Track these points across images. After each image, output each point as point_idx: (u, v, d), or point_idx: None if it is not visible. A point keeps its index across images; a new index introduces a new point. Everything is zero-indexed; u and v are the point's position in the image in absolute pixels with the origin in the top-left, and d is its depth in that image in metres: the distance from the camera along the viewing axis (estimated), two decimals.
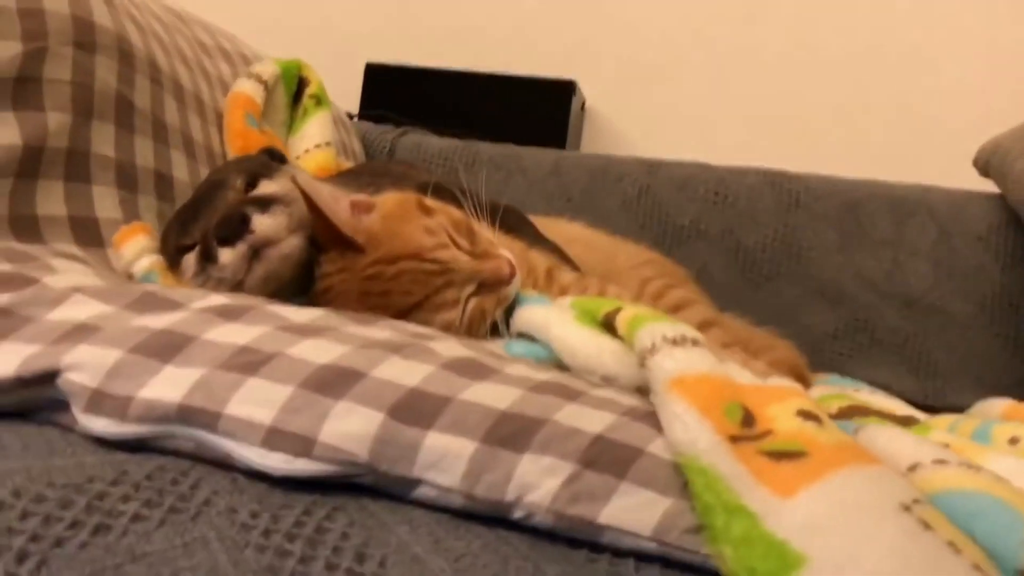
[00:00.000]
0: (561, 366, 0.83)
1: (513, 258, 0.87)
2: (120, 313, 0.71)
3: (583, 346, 0.79)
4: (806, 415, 0.65)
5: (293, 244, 0.89)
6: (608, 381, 0.77)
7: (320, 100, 1.48)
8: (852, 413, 0.86)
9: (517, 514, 0.59)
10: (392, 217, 0.87)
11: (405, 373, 0.65)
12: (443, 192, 1.00)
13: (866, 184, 1.84)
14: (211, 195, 0.91)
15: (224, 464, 0.64)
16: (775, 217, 1.82)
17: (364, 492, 0.63)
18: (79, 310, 0.71)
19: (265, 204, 0.89)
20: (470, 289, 0.84)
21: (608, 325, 0.82)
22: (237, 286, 0.87)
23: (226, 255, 0.86)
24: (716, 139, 2.41)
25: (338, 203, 0.86)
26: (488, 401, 0.63)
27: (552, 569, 0.56)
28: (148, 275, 0.92)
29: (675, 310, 1.12)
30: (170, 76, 1.14)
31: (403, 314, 0.82)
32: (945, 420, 0.96)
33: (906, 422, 0.86)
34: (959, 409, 1.70)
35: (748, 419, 0.64)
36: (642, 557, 0.58)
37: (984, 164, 1.81)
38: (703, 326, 1.11)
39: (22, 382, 0.66)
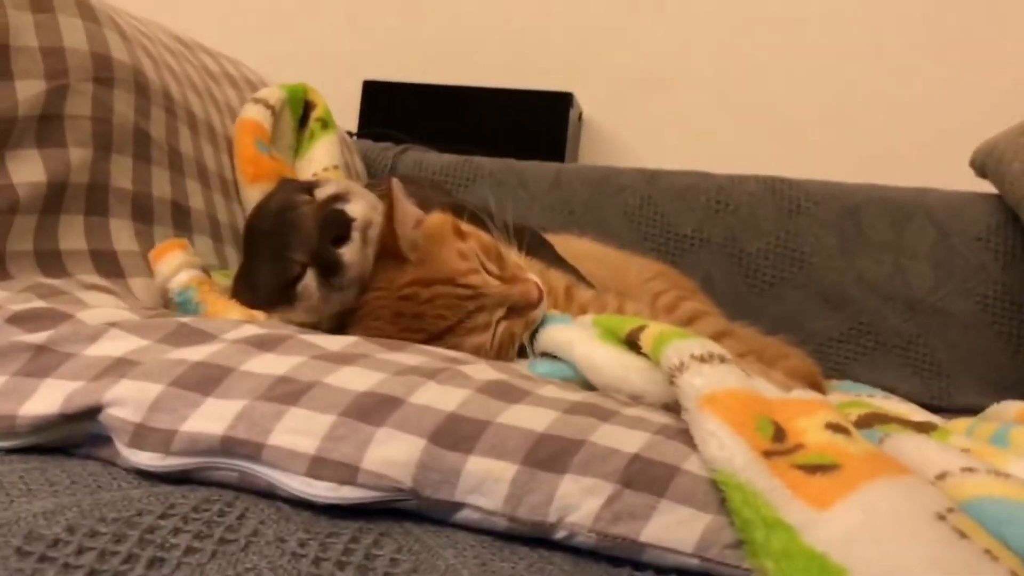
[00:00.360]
0: (587, 385, 0.84)
1: (540, 281, 0.88)
2: (156, 347, 0.72)
3: (608, 365, 0.81)
4: (835, 428, 0.67)
5: (378, 222, 0.91)
6: (635, 399, 0.79)
7: (326, 123, 1.50)
8: (872, 421, 0.88)
9: (559, 535, 0.61)
10: (431, 238, 0.89)
11: (442, 398, 0.66)
12: (472, 215, 1.02)
13: (864, 188, 1.87)
14: (285, 220, 0.91)
15: (268, 493, 0.65)
16: (776, 223, 1.84)
17: (407, 516, 0.64)
18: (116, 345, 0.72)
19: (340, 197, 0.91)
20: (500, 313, 0.85)
21: (632, 343, 0.83)
22: (359, 280, 0.88)
23: (349, 253, 0.87)
24: (714, 147, 2.44)
25: (412, 219, 0.89)
26: (525, 424, 0.64)
27: None
28: (186, 291, 0.93)
29: (688, 322, 1.13)
30: (183, 105, 1.15)
31: (434, 337, 0.84)
32: (962, 424, 0.98)
33: (925, 428, 0.87)
34: (966, 409, 1.74)
35: (779, 434, 0.65)
36: (684, 573, 0.59)
37: (980, 165, 1.83)
38: (716, 337, 1.12)
39: (66, 418, 0.67)
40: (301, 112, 1.49)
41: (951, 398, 1.73)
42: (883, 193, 1.85)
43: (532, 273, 0.93)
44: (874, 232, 1.81)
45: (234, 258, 1.14)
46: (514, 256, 0.92)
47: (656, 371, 0.78)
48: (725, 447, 0.62)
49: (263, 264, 0.92)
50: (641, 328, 0.82)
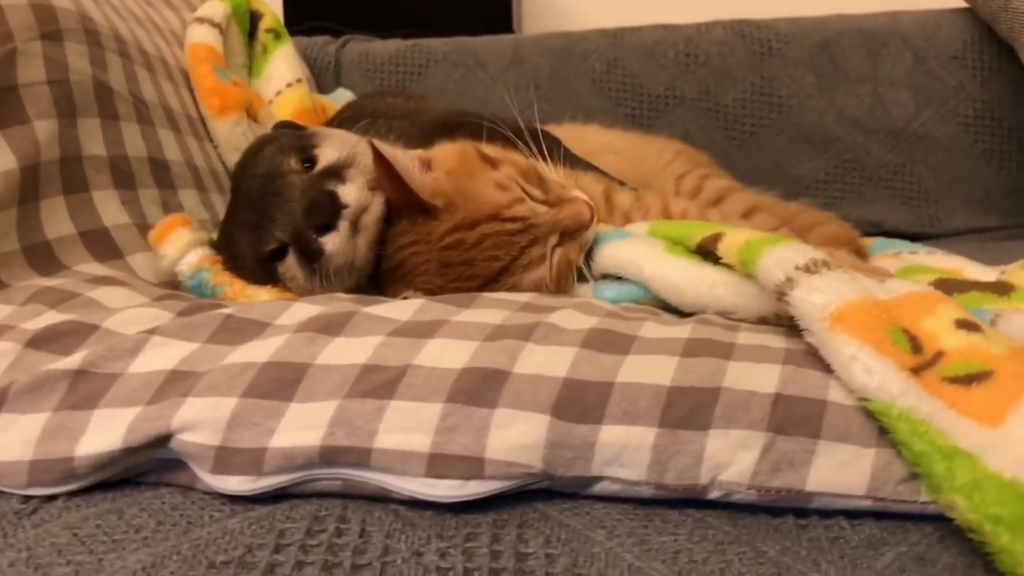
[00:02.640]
0: (662, 304, 0.78)
1: (586, 197, 0.80)
2: (209, 349, 0.64)
3: (690, 283, 0.75)
4: (965, 325, 0.63)
5: (379, 203, 0.81)
6: (724, 315, 0.74)
7: (279, 33, 1.35)
8: (949, 288, 0.84)
9: (713, 494, 0.56)
10: (458, 174, 0.79)
11: (550, 362, 0.60)
12: (490, 131, 0.92)
13: (835, 20, 1.80)
14: (271, 188, 0.81)
15: (379, 497, 0.59)
16: (749, 70, 1.77)
17: (536, 495, 0.59)
18: (164, 355, 0.64)
19: (337, 173, 0.81)
20: (554, 240, 0.78)
21: (704, 251, 0.77)
22: (351, 267, 0.80)
23: (332, 242, 0.78)
24: None
25: (414, 165, 0.79)
26: (649, 378, 0.59)
27: (771, 548, 0.53)
28: (198, 273, 0.83)
29: (716, 202, 1.08)
30: (134, 44, 1.01)
31: (490, 281, 0.76)
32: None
33: (1005, 289, 0.84)
34: (955, 233, 1.74)
35: (915, 344, 0.61)
36: (852, 514, 0.56)
37: None
38: (749, 212, 1.07)
39: (130, 452, 0.60)
40: (248, 25, 1.34)
41: (940, 223, 1.73)
42: (854, 23, 1.78)
43: (578, 190, 0.85)
44: (850, 65, 1.75)
45: (221, 205, 1.03)
46: (553, 174, 0.84)
47: (745, 283, 0.72)
48: (874, 372, 0.57)
49: (244, 232, 0.83)
50: (716, 237, 0.76)
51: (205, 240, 0.86)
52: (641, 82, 1.79)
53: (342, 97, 1.60)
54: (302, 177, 0.81)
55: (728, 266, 0.74)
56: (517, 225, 0.76)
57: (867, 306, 0.62)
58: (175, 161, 1.00)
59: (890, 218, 1.74)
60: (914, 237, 1.75)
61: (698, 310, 0.75)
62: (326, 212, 0.77)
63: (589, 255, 0.83)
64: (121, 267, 0.84)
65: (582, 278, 0.82)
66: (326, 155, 0.83)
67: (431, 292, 0.78)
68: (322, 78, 1.84)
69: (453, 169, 0.80)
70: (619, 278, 0.81)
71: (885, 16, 1.78)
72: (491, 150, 0.83)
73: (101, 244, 0.84)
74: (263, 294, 0.81)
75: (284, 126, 0.91)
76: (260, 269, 0.82)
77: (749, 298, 0.72)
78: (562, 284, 0.79)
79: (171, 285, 0.86)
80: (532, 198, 0.79)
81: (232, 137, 1.14)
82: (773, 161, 1.76)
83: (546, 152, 0.94)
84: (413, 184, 0.77)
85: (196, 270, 0.83)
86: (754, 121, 1.77)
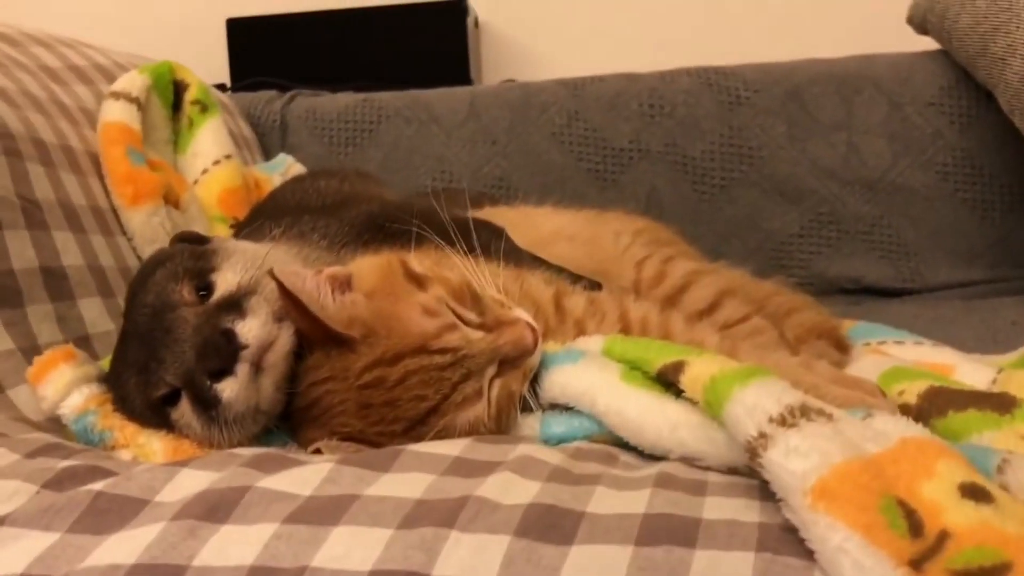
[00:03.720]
0: (618, 440, 0.68)
1: (529, 317, 0.70)
2: (68, 543, 0.53)
3: (649, 421, 0.65)
4: (972, 492, 0.53)
5: (286, 335, 0.71)
6: (688, 461, 0.64)
7: (206, 105, 1.24)
8: (943, 403, 0.75)
9: None
10: (379, 296, 0.69)
11: (476, 562, 0.50)
12: (422, 213, 0.82)
13: (805, 65, 1.72)
14: (160, 324, 0.70)
15: None
16: (717, 121, 1.69)
17: None
18: (12, 554, 0.53)
19: (237, 305, 0.70)
20: (492, 371, 0.67)
21: (666, 381, 0.67)
22: (255, 412, 0.69)
23: (229, 389, 0.67)
24: (634, 40, 2.22)
25: (320, 290, 0.68)
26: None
27: None
28: (83, 416, 0.72)
29: (681, 290, 0.98)
30: (27, 136, 0.90)
31: (416, 423, 0.66)
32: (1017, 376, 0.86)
33: (1002, 405, 0.75)
34: (938, 287, 1.65)
35: (914, 522, 0.51)
36: None
37: (920, 21, 1.70)
38: (717, 299, 0.98)
39: None
40: (172, 96, 1.23)
41: (923, 278, 1.65)
42: (826, 67, 1.70)
43: (513, 301, 0.75)
44: (822, 113, 1.67)
45: None
46: (491, 288, 0.73)
47: (712, 426, 0.63)
48: (867, 570, 0.47)
49: (132, 372, 0.72)
50: (678, 366, 0.66)
51: (93, 376, 0.75)
52: (604, 135, 1.69)
53: (282, 164, 1.50)
54: (196, 311, 0.70)
55: (692, 400, 0.64)
56: (447, 358, 0.65)
57: (855, 472, 0.53)
58: (74, 267, 0.89)
59: (870, 273, 1.65)
60: (895, 293, 1.67)
61: (658, 453, 0.65)
62: (221, 355, 0.66)
63: (535, 379, 0.72)
64: None
65: (527, 406, 0.72)
66: (225, 281, 0.72)
67: (350, 437, 0.67)
68: (267, 138, 1.74)
69: (374, 289, 0.70)
70: (569, 407, 0.71)
71: (857, 60, 1.70)
72: (419, 265, 0.72)
73: None
74: (156, 442, 0.70)
75: (184, 239, 0.80)
76: (151, 414, 0.71)
77: (717, 445, 0.62)
78: (503, 421, 0.69)
79: (59, 422, 0.75)
80: (466, 322, 0.68)
81: (148, 228, 1.04)
82: (745, 215, 1.68)
83: (489, 249, 0.84)
84: (324, 316, 0.66)
85: (81, 413, 0.72)
86: (724, 174, 1.68)
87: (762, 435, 0.56)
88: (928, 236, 1.65)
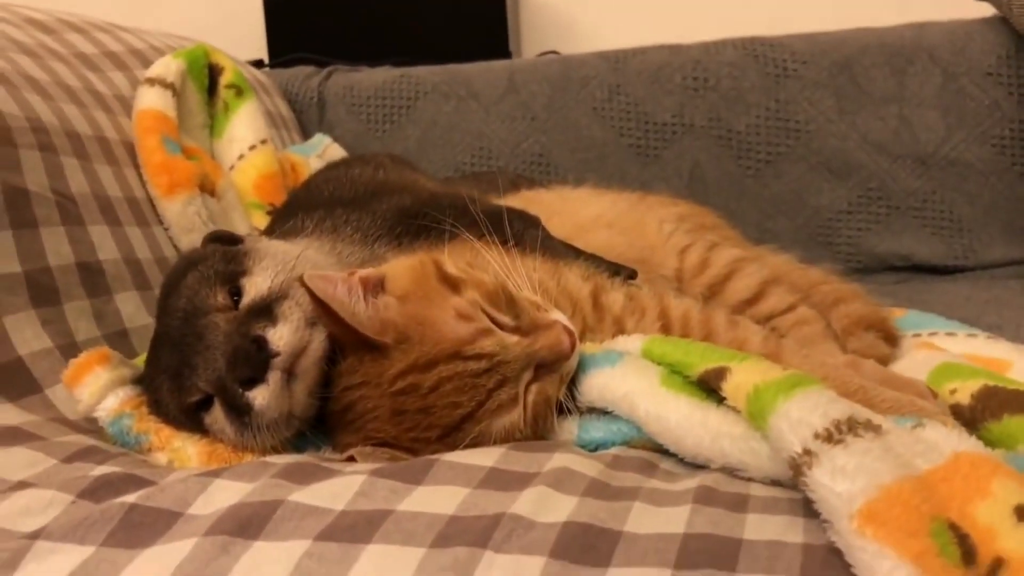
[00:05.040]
0: (655, 447, 0.67)
1: (566, 319, 0.68)
2: (103, 558, 0.53)
3: (688, 428, 0.63)
4: None
5: (319, 340, 0.70)
6: (730, 471, 0.62)
7: (241, 89, 1.23)
8: (999, 406, 0.72)
9: None
10: (412, 299, 0.67)
11: None
12: (452, 206, 0.81)
13: (855, 35, 1.65)
14: (192, 329, 0.69)
15: None
16: (763, 93, 1.64)
17: None
18: (46, 570, 0.53)
19: (268, 311, 0.69)
20: (528, 376, 0.66)
21: (708, 387, 0.65)
22: (288, 417, 0.69)
23: (261, 397, 0.66)
24: (678, 8, 2.17)
25: (353, 295, 0.66)
26: None
27: None
28: (118, 419, 0.72)
29: (725, 279, 0.95)
30: (60, 129, 0.90)
31: (452, 430, 0.65)
32: None
33: None
34: (992, 265, 1.60)
35: (967, 547, 0.49)
36: None
37: None
38: (762, 288, 0.95)
39: None
40: (207, 80, 1.22)
41: (976, 255, 1.59)
42: (876, 37, 1.63)
43: (549, 298, 0.73)
44: (873, 85, 1.61)
45: None
46: (527, 291, 0.71)
47: (755, 437, 0.61)
48: None
49: (165, 377, 0.72)
50: (721, 372, 0.64)
51: (128, 378, 0.74)
52: (646, 109, 1.66)
53: (319, 145, 1.49)
54: (227, 317, 0.69)
55: (734, 408, 0.62)
56: (483, 364, 0.64)
57: (905, 495, 0.50)
58: (111, 261, 0.88)
59: (920, 250, 1.60)
60: (947, 271, 1.62)
61: (699, 462, 0.63)
62: (252, 364, 0.65)
63: (572, 382, 0.71)
64: (37, 405, 0.73)
65: (564, 409, 0.70)
66: (255, 286, 0.71)
67: (384, 443, 0.66)
68: (304, 115, 1.73)
69: (407, 292, 0.68)
70: (607, 411, 0.69)
71: (910, 29, 1.63)
72: (454, 268, 0.70)
73: (14, 378, 0.73)
74: (191, 447, 0.70)
75: (216, 239, 0.79)
76: (185, 419, 0.71)
77: (759, 457, 0.60)
78: (539, 426, 0.67)
79: (97, 421, 0.75)
80: (501, 326, 0.66)
81: (184, 218, 1.03)
82: (792, 191, 1.63)
83: (523, 240, 0.83)
84: (355, 323, 0.65)
85: (116, 416, 0.72)
86: (770, 149, 1.63)
87: (807, 452, 0.54)
88: (983, 212, 1.59)
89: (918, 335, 0.96)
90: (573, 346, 0.68)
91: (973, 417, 0.73)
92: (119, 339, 0.87)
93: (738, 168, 1.65)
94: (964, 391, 0.77)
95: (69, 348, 0.80)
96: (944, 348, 0.91)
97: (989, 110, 1.57)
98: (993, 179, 1.58)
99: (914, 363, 0.86)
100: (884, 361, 0.87)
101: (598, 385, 0.69)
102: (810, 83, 1.63)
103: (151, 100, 1.09)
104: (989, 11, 1.62)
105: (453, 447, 0.65)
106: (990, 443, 0.69)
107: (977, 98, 1.58)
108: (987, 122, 1.58)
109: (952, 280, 1.54)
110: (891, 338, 0.93)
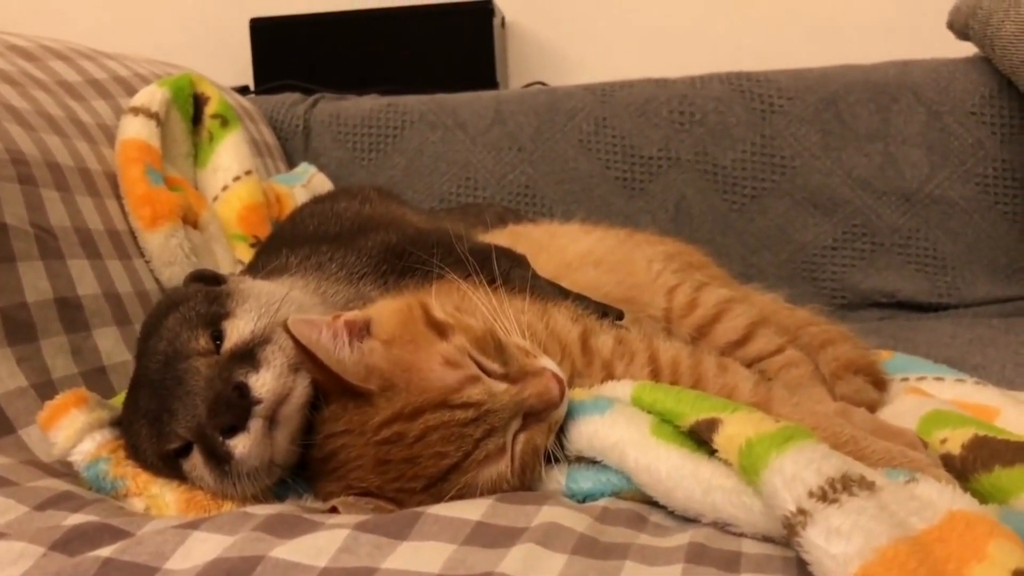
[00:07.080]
0: (645, 498, 0.65)
1: (555, 366, 0.67)
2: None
3: (680, 480, 0.62)
4: None
5: (303, 386, 0.68)
6: (721, 525, 0.61)
7: (227, 119, 1.22)
8: (990, 456, 0.71)
9: None
10: (398, 344, 0.66)
11: None
12: (438, 243, 0.80)
13: (840, 72, 1.67)
14: (172, 373, 0.68)
15: None
16: (749, 128, 1.64)
17: None
18: None
19: (251, 356, 0.68)
20: (516, 425, 0.64)
21: (699, 438, 0.64)
22: (269, 465, 0.67)
23: (242, 445, 0.65)
24: (664, 43, 2.17)
25: (338, 340, 0.65)
26: None
27: None
28: (95, 464, 0.70)
29: (714, 320, 0.94)
30: (42, 161, 0.88)
31: (436, 481, 0.63)
32: None
33: None
34: (975, 303, 1.60)
35: None
36: None
37: (962, 27, 1.64)
38: (751, 330, 0.94)
39: None
40: (192, 110, 1.21)
41: (960, 293, 1.60)
42: (862, 74, 1.65)
43: (538, 341, 0.72)
44: (858, 122, 1.62)
45: None
46: (515, 335, 0.70)
47: (747, 492, 0.60)
48: None
49: (144, 422, 0.70)
50: (712, 424, 0.63)
51: (105, 420, 0.72)
52: (632, 142, 1.66)
53: (304, 175, 1.48)
54: (208, 361, 0.67)
55: (726, 461, 0.61)
56: (470, 413, 0.63)
57: (901, 557, 0.49)
58: (90, 296, 0.87)
59: (904, 287, 1.60)
60: (931, 308, 1.63)
61: (690, 515, 0.62)
62: (233, 411, 0.64)
63: (561, 430, 0.69)
64: (10, 446, 0.71)
65: (552, 457, 0.69)
66: (237, 329, 0.69)
67: (368, 492, 0.65)
68: (289, 143, 1.72)
69: (393, 337, 0.67)
70: (596, 460, 0.68)
71: (895, 67, 1.65)
72: (441, 312, 0.69)
73: None
74: (168, 493, 0.68)
75: (199, 278, 0.77)
76: (163, 465, 0.69)
77: (752, 512, 0.59)
78: (527, 476, 0.66)
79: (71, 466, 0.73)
80: (489, 373, 0.65)
81: (166, 250, 1.02)
82: (777, 227, 1.63)
83: (510, 279, 0.82)
84: (340, 370, 0.64)
85: (92, 460, 0.70)
86: (755, 184, 1.64)
87: (801, 511, 0.53)
88: (966, 250, 1.60)
89: (906, 379, 0.95)
90: (562, 394, 0.67)
91: (964, 468, 0.72)
92: (97, 376, 0.85)
93: (723, 202, 1.65)
94: (954, 440, 0.76)
95: (45, 386, 0.78)
96: (932, 394, 0.90)
97: (972, 149, 1.59)
98: (976, 217, 1.59)
99: (903, 409, 0.85)
100: (872, 406, 0.86)
101: (587, 433, 0.68)
102: (796, 119, 1.63)
103: (135, 130, 1.08)
104: (972, 50, 1.63)
105: (439, 498, 0.63)
106: (981, 495, 0.68)
107: (961, 136, 1.59)
108: (970, 161, 1.59)
109: (936, 318, 1.54)
110: (879, 383, 0.92)
